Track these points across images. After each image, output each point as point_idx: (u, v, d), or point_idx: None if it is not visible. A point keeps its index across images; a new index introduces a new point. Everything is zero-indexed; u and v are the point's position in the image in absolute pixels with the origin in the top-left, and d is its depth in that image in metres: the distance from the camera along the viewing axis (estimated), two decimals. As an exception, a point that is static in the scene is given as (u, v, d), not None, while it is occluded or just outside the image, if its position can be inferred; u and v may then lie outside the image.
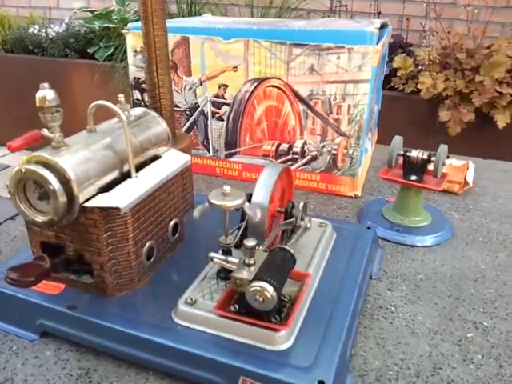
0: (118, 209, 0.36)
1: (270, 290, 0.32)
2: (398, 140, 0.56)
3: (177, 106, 0.67)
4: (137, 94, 0.69)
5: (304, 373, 0.33)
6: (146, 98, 0.65)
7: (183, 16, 2.35)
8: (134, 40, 0.66)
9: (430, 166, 0.55)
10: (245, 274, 0.34)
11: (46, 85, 0.35)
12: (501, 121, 1.90)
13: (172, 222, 0.45)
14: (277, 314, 0.36)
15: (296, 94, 0.61)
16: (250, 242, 0.35)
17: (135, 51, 0.66)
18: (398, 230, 0.56)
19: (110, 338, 0.37)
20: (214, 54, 0.62)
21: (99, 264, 0.38)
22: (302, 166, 0.65)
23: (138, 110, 0.46)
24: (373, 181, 0.69)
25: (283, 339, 0.35)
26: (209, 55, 0.62)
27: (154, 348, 0.35)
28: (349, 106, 0.60)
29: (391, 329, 0.41)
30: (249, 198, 0.45)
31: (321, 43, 0.57)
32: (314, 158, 0.64)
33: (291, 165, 0.65)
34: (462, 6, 2.22)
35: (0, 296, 0.40)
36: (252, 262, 0.35)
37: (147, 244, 0.41)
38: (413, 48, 2.33)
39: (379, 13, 2.43)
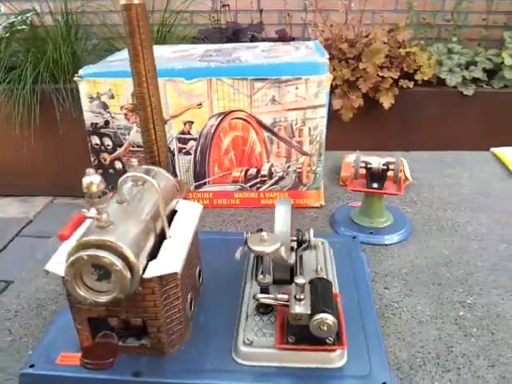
0: (175, 273, 0.38)
1: (331, 319, 0.38)
2: (359, 155, 0.64)
3: (141, 146, 0.68)
4: (95, 139, 0.68)
5: (368, 380, 0.39)
6: (106, 143, 0.66)
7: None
8: (88, 87, 0.65)
9: (390, 172, 0.64)
10: (302, 309, 0.39)
11: (92, 170, 0.36)
12: (386, 102, 2.13)
13: (197, 269, 0.48)
14: (325, 335, 0.41)
15: (260, 123, 0.66)
16: (300, 280, 0.40)
17: (91, 97, 0.65)
18: (371, 232, 0.64)
19: (182, 392, 0.39)
20: (177, 94, 0.64)
21: (156, 327, 0.40)
22: (270, 186, 0.70)
23: (142, 169, 0.48)
24: (329, 188, 0.77)
25: (340, 357, 0.40)
26: (172, 95, 0.64)
27: (230, 391, 0.39)
28: (309, 128, 0.66)
29: (402, 323, 0.49)
30: (258, 230, 0.49)
31: (280, 76, 0.63)
32: (282, 178, 0.70)
33: (260, 186, 0.70)
34: None
35: (56, 380, 0.40)
36: (303, 296, 0.40)
37: (188, 296, 0.44)
38: (296, 41, 2.49)
39: (261, 10, 2.55)
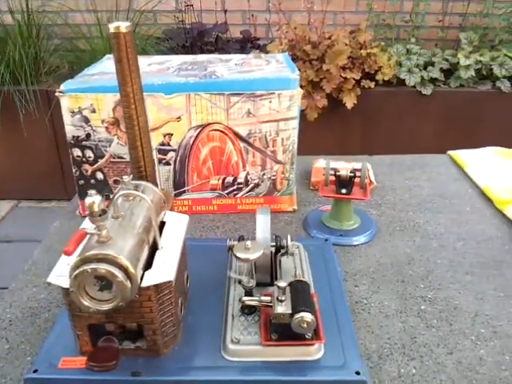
0: (170, 281, 0.42)
1: (309, 317, 0.43)
2: (328, 163, 0.69)
3: (121, 158, 0.71)
4: (77, 151, 0.71)
5: (343, 369, 0.44)
6: (87, 155, 0.69)
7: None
8: (70, 102, 0.67)
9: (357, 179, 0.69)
10: (284, 309, 0.44)
11: (94, 191, 0.39)
12: (348, 102, 2.20)
13: (185, 275, 0.52)
14: (305, 331, 0.46)
15: (236, 135, 0.70)
16: (281, 283, 0.44)
17: (72, 112, 0.68)
18: (340, 234, 0.70)
19: (178, 388, 0.43)
20: (156, 108, 0.68)
21: (152, 330, 0.44)
22: (246, 193, 0.75)
23: (132, 185, 0.51)
24: (300, 193, 0.82)
25: (318, 350, 0.45)
26: (151, 109, 0.68)
27: (221, 386, 0.43)
28: (282, 139, 0.71)
29: (371, 317, 0.55)
30: (240, 238, 0.54)
31: (254, 91, 0.67)
32: (257, 185, 0.74)
33: (237, 193, 0.75)
34: None
35: (59, 383, 0.43)
36: (284, 298, 0.45)
37: (179, 301, 0.48)
38: (261, 42, 2.54)
39: (226, 10, 2.58)
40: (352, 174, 0.69)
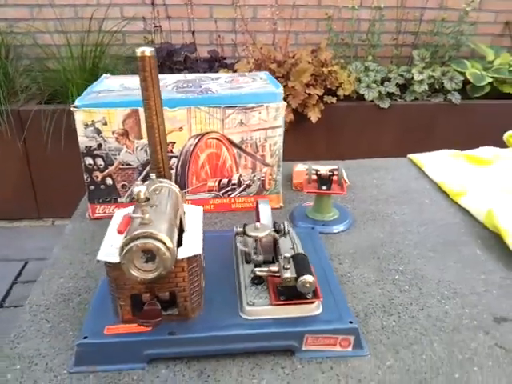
0: (199, 255, 0.52)
1: (311, 279, 0.53)
2: (311, 165, 0.81)
3: (129, 164, 0.81)
4: (89, 160, 0.80)
5: (339, 321, 0.55)
6: (99, 163, 0.78)
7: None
8: (84, 116, 0.76)
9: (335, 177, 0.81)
10: (290, 274, 0.54)
11: (139, 182, 0.49)
12: (313, 116, 2.36)
13: (203, 254, 0.61)
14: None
15: (231, 142, 0.81)
16: (287, 254, 0.55)
17: (86, 124, 0.77)
18: (323, 224, 0.81)
19: (207, 343, 0.53)
20: (161, 119, 0.77)
21: (183, 297, 0.54)
22: (239, 193, 0.85)
23: (157, 181, 0.61)
24: (284, 193, 0.93)
25: (317, 307, 0.56)
26: (157, 121, 0.77)
27: (242, 338, 0.53)
28: (270, 144, 0.82)
29: (355, 286, 0.66)
30: (244, 225, 0.65)
31: (246, 104, 0.78)
32: (248, 186, 0.85)
33: (231, 193, 0.85)
34: (263, 20, 2.64)
35: (107, 345, 0.52)
36: (289, 266, 0.56)
37: (202, 274, 0.57)
38: (228, 61, 2.67)
39: (193, 31, 2.70)
40: (331, 173, 0.81)
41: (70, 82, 2.29)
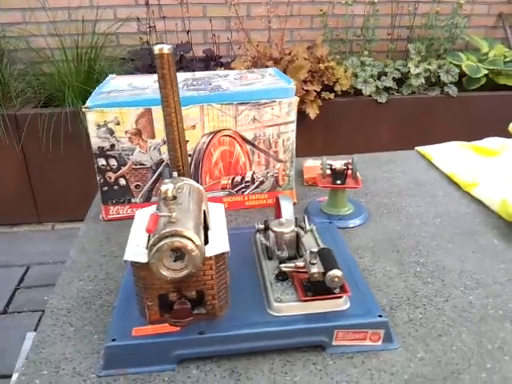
0: (227, 252, 0.52)
1: (339, 273, 0.53)
2: (325, 159, 0.80)
3: (143, 164, 0.80)
4: (102, 161, 0.79)
5: (368, 315, 0.54)
6: (112, 163, 0.77)
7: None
8: (96, 117, 0.75)
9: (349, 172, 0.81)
10: (318, 269, 0.54)
11: (167, 180, 0.48)
12: (312, 113, 2.36)
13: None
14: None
15: (244, 139, 0.81)
16: (313, 249, 0.55)
17: (98, 125, 0.76)
18: (339, 219, 0.81)
19: (237, 341, 0.52)
20: (174, 118, 0.77)
21: (211, 295, 0.53)
22: (253, 190, 0.85)
23: (179, 179, 0.60)
24: (296, 188, 0.93)
25: (345, 302, 0.56)
26: (170, 120, 0.77)
27: (272, 335, 0.53)
28: (283, 140, 0.82)
29: (377, 280, 0.66)
30: (265, 221, 0.64)
31: (259, 100, 0.78)
32: (262, 183, 0.85)
33: (244, 191, 0.85)
34: (257, 17, 2.64)
35: (136, 347, 0.51)
36: (315, 261, 0.55)
37: (228, 271, 0.57)
38: (223, 59, 2.66)
39: (188, 31, 2.69)
40: (345, 167, 0.80)
41: (66, 85, 2.27)
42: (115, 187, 0.81)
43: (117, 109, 0.75)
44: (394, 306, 0.61)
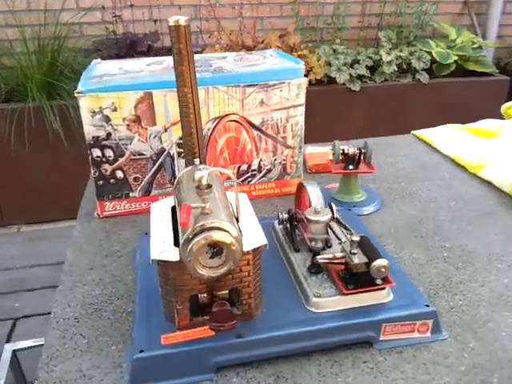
0: (265, 245, 0.47)
1: (385, 263, 0.49)
2: (338, 144, 0.76)
3: (142, 154, 0.73)
4: (96, 152, 0.72)
5: (414, 305, 0.51)
6: (108, 154, 0.70)
7: None
8: (90, 102, 0.68)
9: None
10: (361, 259, 0.50)
11: (202, 166, 0.43)
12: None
13: (251, 248, 0.56)
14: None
15: (250, 123, 0.75)
16: (354, 237, 0.50)
17: (93, 112, 0.69)
18: (353, 206, 0.77)
19: (279, 343, 0.47)
20: (176, 102, 0.69)
21: (247, 294, 0.48)
22: (259, 179, 0.80)
23: (202, 166, 0.54)
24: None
25: (388, 293, 0.52)
26: (172, 104, 0.70)
27: (315, 333, 0.48)
28: (291, 125, 0.77)
29: (407, 267, 0.62)
30: (289, 211, 0.59)
31: (268, 81, 0.73)
32: (269, 171, 0.80)
33: (251, 180, 0.79)
34: (228, 6, 2.56)
35: (168, 357, 0.45)
36: (356, 251, 0.51)
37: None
38: (193, 49, 2.58)
39: (155, 20, 2.59)
40: (358, 152, 0.76)
41: (29, 78, 2.13)
42: (111, 181, 0.74)
43: (114, 93, 0.68)
44: (431, 294, 0.57)
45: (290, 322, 0.49)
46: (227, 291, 0.48)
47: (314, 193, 0.57)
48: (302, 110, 0.77)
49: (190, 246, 0.42)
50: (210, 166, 0.54)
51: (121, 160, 0.73)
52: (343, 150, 0.76)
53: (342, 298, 0.50)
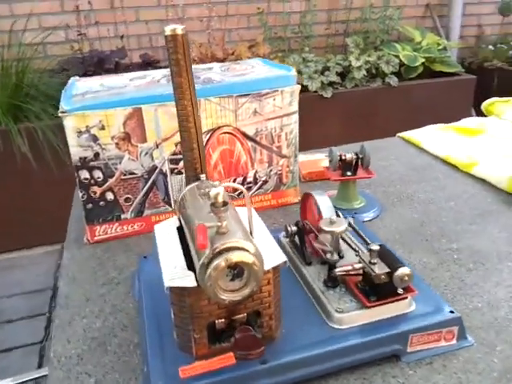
0: (285, 262, 0.44)
1: (408, 271, 0.47)
2: (335, 150, 0.74)
3: (133, 173, 0.69)
4: (84, 174, 0.67)
5: (439, 312, 0.49)
6: (96, 176, 0.66)
7: None
8: (76, 121, 0.64)
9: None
10: (383, 269, 0.47)
11: (217, 183, 0.40)
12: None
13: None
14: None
15: (244, 135, 0.72)
16: (374, 247, 0.48)
17: (79, 131, 0.65)
18: (355, 212, 0.75)
19: (305, 365, 0.45)
20: (168, 117, 0.67)
21: (268, 315, 0.45)
22: (255, 191, 0.77)
23: (208, 183, 0.51)
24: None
25: (411, 303, 0.50)
26: (163, 119, 0.67)
27: (343, 351, 0.45)
28: (286, 133, 0.75)
29: (420, 272, 0.60)
30: (297, 223, 0.57)
31: (260, 90, 0.70)
32: (265, 182, 0.77)
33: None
34: (196, 19, 2.54)
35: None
36: (376, 260, 0.49)
37: (275, 286, 0.49)
38: (162, 63, 2.54)
39: (122, 36, 2.54)
40: (356, 157, 0.75)
41: (-6, 101, 2.05)
42: (101, 203, 0.70)
43: (101, 111, 0.64)
44: (449, 298, 0.56)
45: (314, 341, 0.46)
46: (245, 314, 0.45)
47: (323, 202, 0.55)
48: (296, 117, 0.75)
49: (209, 270, 0.39)
50: (213, 182, 0.51)
51: (110, 181, 0.69)
52: (340, 156, 0.74)
53: (365, 312, 0.48)
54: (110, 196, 0.70)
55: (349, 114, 2.51)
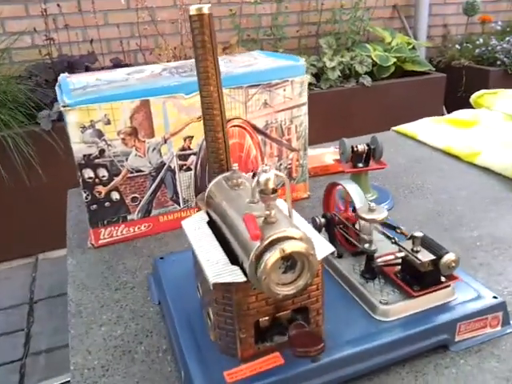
0: (333, 252, 0.41)
1: (454, 257, 0.45)
2: (347, 141, 0.72)
3: (140, 171, 0.65)
4: (88, 172, 0.63)
5: (483, 298, 0.47)
6: (101, 174, 0.62)
7: None
8: (79, 116, 0.60)
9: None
10: (428, 257, 0.46)
11: (267, 167, 0.37)
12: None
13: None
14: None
15: (254, 128, 0.70)
16: (418, 233, 0.46)
17: (83, 127, 0.60)
18: (368, 205, 0.73)
19: (357, 361, 0.42)
20: (177, 110, 0.64)
21: (316, 310, 0.42)
22: (265, 186, 0.74)
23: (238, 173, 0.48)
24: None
25: (453, 290, 0.48)
26: (171, 113, 0.64)
27: (394, 345, 0.43)
28: (296, 126, 0.72)
29: (447, 262, 0.59)
30: (324, 215, 0.55)
31: (271, 81, 0.68)
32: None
33: (256, 189, 0.74)
34: (168, 21, 2.50)
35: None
36: (419, 248, 0.47)
37: (315, 280, 0.46)
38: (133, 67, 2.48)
39: (91, 40, 2.47)
40: (368, 148, 0.73)
41: (-43, 110, 1.95)
42: (106, 204, 0.65)
43: (107, 104, 0.60)
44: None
45: (363, 335, 0.44)
46: (290, 311, 0.42)
47: (353, 191, 0.53)
48: (306, 109, 0.72)
49: (262, 263, 0.35)
50: (242, 173, 0.48)
51: (116, 179, 0.64)
52: (352, 148, 0.73)
53: (410, 302, 0.46)
54: (115, 196, 0.65)
55: (325, 116, 2.51)
